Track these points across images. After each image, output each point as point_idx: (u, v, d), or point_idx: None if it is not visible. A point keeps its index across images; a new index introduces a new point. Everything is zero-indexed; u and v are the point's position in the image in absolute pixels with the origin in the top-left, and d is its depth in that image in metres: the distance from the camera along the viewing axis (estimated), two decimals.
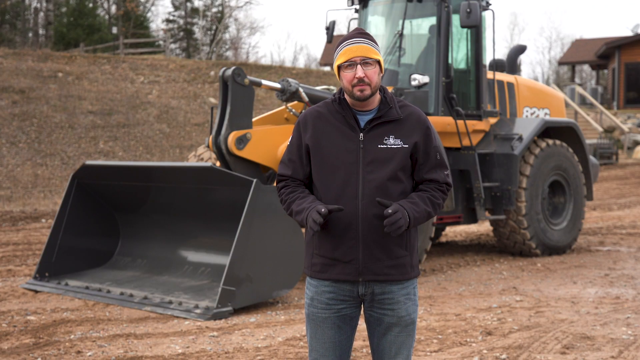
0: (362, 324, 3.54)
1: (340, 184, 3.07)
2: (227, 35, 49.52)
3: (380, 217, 3.05)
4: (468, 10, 8.70)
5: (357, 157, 3.07)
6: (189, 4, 49.07)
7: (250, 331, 6.13)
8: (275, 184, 3.24)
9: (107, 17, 42.90)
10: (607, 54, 37.52)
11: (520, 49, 11.92)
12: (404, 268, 3.12)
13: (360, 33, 3.11)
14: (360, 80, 3.04)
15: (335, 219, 3.07)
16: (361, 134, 3.08)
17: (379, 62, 3.09)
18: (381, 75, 3.12)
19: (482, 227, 12.70)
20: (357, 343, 5.63)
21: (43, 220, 13.21)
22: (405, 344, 3.15)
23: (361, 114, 3.12)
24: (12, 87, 22.11)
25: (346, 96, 3.14)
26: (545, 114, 11.07)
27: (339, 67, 3.10)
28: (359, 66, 3.04)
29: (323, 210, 2.97)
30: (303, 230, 8.77)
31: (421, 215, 3.08)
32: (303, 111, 8.58)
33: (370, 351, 5.41)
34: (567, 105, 27.43)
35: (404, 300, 3.13)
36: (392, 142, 3.08)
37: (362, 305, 3.19)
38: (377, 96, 3.14)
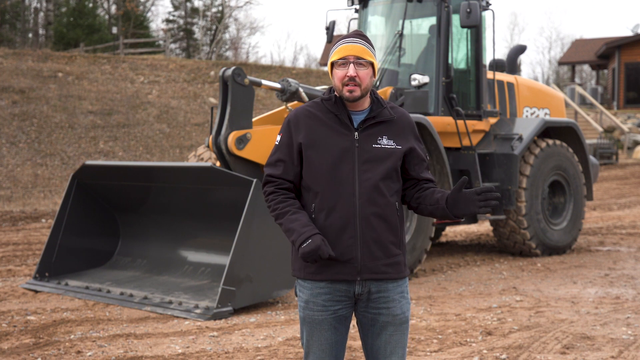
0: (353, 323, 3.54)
1: (337, 183, 3.08)
2: (227, 35, 49.55)
3: (377, 215, 3.07)
4: (468, 10, 8.69)
5: (353, 156, 3.08)
6: (189, 4, 49.08)
7: (250, 331, 6.13)
8: (262, 186, 3.24)
9: (107, 17, 42.89)
10: (607, 54, 37.52)
11: (520, 49, 11.92)
12: (399, 266, 3.15)
13: (358, 34, 3.13)
14: (351, 79, 3.05)
15: (333, 220, 3.07)
16: (356, 133, 3.10)
17: (372, 65, 3.10)
18: (373, 79, 3.12)
19: (482, 227, 12.70)
20: (357, 343, 5.63)
21: (43, 220, 13.22)
22: (399, 343, 3.16)
23: (354, 113, 3.14)
24: (12, 87, 22.11)
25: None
26: (545, 114, 11.07)
27: (332, 65, 3.12)
28: (351, 65, 3.06)
29: (327, 256, 3.02)
30: None
31: None
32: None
33: None
34: (567, 105, 27.43)
35: (398, 299, 3.15)
36: (385, 142, 3.11)
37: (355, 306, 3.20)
38: (368, 97, 3.16)
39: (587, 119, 28.00)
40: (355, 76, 3.05)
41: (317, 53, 71.17)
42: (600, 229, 12.50)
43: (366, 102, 3.15)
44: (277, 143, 3.18)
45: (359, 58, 3.06)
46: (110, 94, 23.60)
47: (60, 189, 16.74)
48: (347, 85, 3.06)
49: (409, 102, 8.66)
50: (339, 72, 3.08)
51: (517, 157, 9.48)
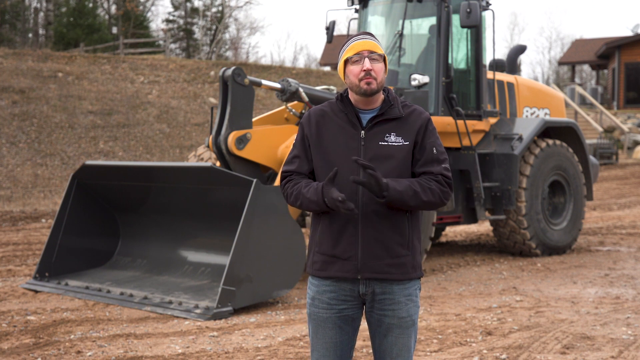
0: (364, 324, 3.54)
1: (341, 180, 3.08)
2: (227, 35, 49.54)
3: (380, 214, 3.06)
4: (468, 10, 8.70)
5: (358, 154, 3.09)
6: (188, 4, 49.06)
7: (250, 331, 6.13)
8: (278, 183, 3.29)
9: (107, 17, 42.89)
10: (607, 54, 37.52)
11: (520, 49, 11.92)
12: (404, 267, 3.11)
13: (367, 33, 3.19)
14: (367, 73, 3.07)
15: (336, 216, 3.09)
16: (362, 132, 3.12)
17: (384, 60, 3.14)
18: (385, 75, 3.15)
19: (482, 227, 12.70)
20: (357, 343, 5.63)
21: (43, 220, 13.22)
22: (406, 346, 3.15)
23: (363, 112, 3.15)
24: (12, 87, 22.10)
25: (350, 94, 3.17)
26: (545, 114, 11.08)
27: (346, 63, 3.14)
28: (366, 59, 3.09)
29: (340, 198, 2.97)
30: (304, 230, 8.79)
31: (404, 190, 3.01)
32: (304, 111, 8.60)
33: (371, 351, 5.42)
34: (567, 105, 27.43)
35: (405, 301, 3.12)
36: (393, 139, 3.11)
37: (364, 306, 3.19)
38: (380, 95, 3.18)
39: (587, 119, 28.00)
40: (370, 69, 3.07)
41: (317, 53, 71.25)
42: (600, 229, 12.50)
43: (378, 101, 3.16)
44: (294, 142, 3.26)
45: (372, 52, 3.10)
46: (110, 94, 23.60)
47: (60, 189, 16.74)
48: (363, 79, 3.08)
49: (409, 102, 8.66)
50: (354, 69, 3.10)
51: (517, 157, 9.48)
